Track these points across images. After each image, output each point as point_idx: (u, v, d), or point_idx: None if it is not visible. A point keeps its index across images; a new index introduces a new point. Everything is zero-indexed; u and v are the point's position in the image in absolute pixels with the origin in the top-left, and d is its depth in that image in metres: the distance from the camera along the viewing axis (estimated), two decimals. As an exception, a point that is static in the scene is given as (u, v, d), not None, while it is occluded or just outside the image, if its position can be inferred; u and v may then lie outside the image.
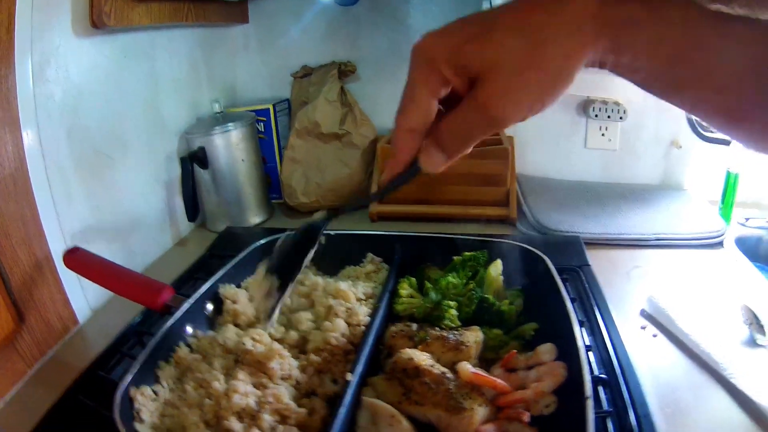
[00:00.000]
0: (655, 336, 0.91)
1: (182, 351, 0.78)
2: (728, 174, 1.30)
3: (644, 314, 0.97)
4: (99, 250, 0.92)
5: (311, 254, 0.71)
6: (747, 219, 1.33)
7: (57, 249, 0.92)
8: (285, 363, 0.74)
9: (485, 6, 1.32)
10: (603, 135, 1.50)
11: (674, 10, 0.38)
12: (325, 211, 0.73)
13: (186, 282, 1.07)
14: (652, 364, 0.83)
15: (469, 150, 0.48)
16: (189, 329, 0.82)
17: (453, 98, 0.46)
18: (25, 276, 0.86)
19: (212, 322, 0.88)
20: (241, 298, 0.89)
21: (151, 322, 0.93)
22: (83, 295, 1.01)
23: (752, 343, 0.86)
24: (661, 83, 0.42)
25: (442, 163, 0.49)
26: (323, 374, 0.75)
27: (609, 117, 1.46)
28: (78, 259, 0.89)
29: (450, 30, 0.43)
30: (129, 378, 0.67)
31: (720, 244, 1.22)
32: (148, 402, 0.68)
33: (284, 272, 0.70)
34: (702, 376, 0.81)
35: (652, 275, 1.11)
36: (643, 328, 0.93)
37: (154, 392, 0.70)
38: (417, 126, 0.47)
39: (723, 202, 1.33)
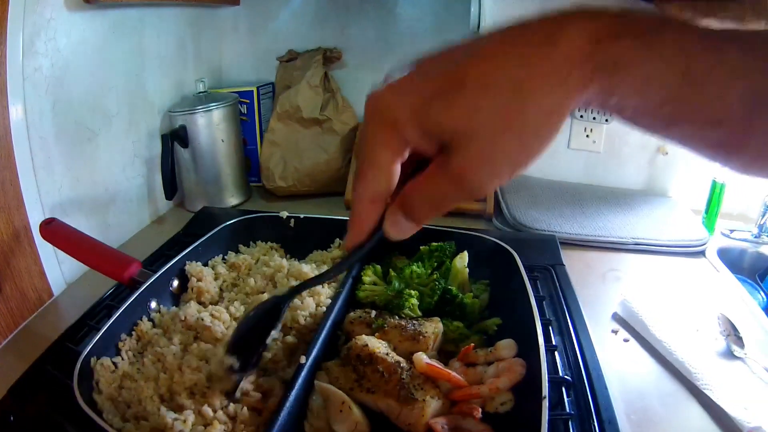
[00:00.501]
0: (626, 341, 0.89)
1: (144, 325, 0.79)
2: (714, 183, 1.29)
3: (616, 317, 0.95)
4: (77, 223, 0.93)
5: (274, 333, 0.67)
6: (731, 230, 1.31)
7: (35, 220, 0.92)
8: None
9: (474, 4, 1.29)
10: (587, 136, 1.48)
11: (668, 43, 0.35)
12: (288, 288, 0.71)
13: (158, 258, 1.07)
14: (621, 369, 0.81)
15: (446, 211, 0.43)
16: (153, 304, 0.84)
17: (417, 157, 0.41)
18: (3, 245, 0.87)
19: (177, 298, 0.90)
20: (206, 276, 0.91)
21: (122, 297, 0.92)
22: (59, 268, 1.02)
23: (729, 354, 0.84)
24: (650, 120, 0.39)
25: (411, 231, 0.44)
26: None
27: (594, 118, 1.44)
28: (52, 230, 0.89)
29: (412, 85, 0.38)
30: (88, 348, 0.68)
31: (702, 253, 1.20)
32: (107, 373, 0.69)
33: (245, 350, 0.66)
34: (673, 384, 0.80)
35: (628, 279, 1.09)
36: (615, 332, 0.91)
37: (114, 364, 0.71)
38: (379, 193, 0.42)
39: (707, 211, 1.31)
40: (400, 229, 0.44)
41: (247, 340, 0.66)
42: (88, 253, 0.88)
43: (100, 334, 0.71)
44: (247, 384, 0.67)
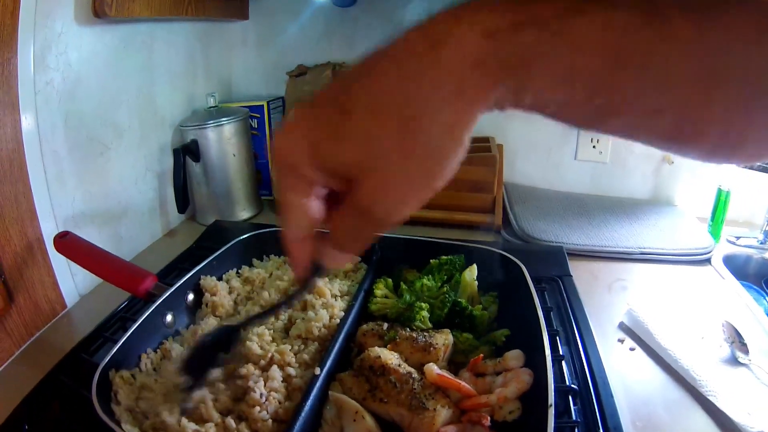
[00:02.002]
0: (632, 349, 0.90)
1: (168, 343, 0.81)
2: (719, 191, 1.29)
3: (622, 327, 0.96)
4: (89, 235, 0.94)
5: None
6: (737, 237, 1.32)
7: (48, 232, 0.93)
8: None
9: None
10: (594, 147, 1.50)
11: (589, 24, 0.29)
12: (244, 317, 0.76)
13: (172, 271, 1.08)
14: (628, 378, 0.82)
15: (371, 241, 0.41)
16: (169, 317, 0.84)
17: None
18: (17, 257, 0.87)
19: (193, 311, 0.90)
20: (221, 291, 0.92)
21: (136, 309, 0.94)
22: (72, 280, 1.02)
23: (734, 361, 0.85)
24: (581, 116, 0.34)
25: (347, 259, 0.44)
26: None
27: (599, 129, 1.44)
28: (67, 243, 0.90)
29: (303, 125, 0.36)
30: (107, 360, 0.69)
31: (707, 261, 1.21)
32: (125, 385, 0.70)
33: (196, 371, 0.69)
34: (679, 392, 0.80)
35: (635, 289, 1.10)
36: (621, 341, 0.92)
37: (133, 376, 0.72)
38: (302, 233, 0.41)
39: (713, 219, 1.32)
40: (336, 261, 0.44)
41: (199, 361, 0.69)
42: (103, 266, 0.89)
43: (119, 345, 0.71)
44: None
